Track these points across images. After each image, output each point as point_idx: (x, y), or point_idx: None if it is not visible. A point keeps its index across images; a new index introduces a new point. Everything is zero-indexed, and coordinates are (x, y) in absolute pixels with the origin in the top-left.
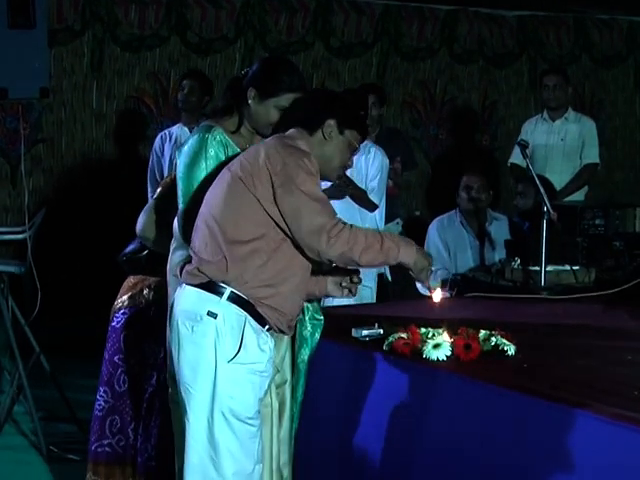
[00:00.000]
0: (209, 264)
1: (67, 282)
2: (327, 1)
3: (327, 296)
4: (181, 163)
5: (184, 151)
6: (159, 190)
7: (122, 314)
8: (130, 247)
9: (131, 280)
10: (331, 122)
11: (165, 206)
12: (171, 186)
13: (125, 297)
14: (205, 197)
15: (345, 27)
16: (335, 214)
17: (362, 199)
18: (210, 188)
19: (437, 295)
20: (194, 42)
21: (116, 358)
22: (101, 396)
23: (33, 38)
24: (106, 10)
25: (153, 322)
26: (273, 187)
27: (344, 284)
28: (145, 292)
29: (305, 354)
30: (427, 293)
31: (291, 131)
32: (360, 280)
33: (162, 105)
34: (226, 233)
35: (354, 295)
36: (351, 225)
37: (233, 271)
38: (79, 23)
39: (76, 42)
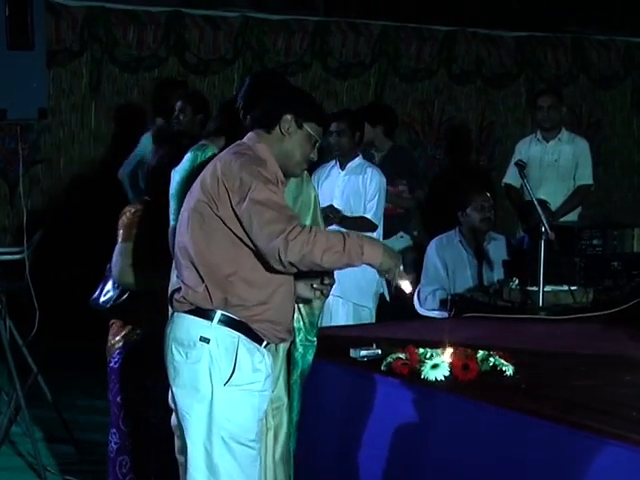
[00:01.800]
0: (195, 294)
1: (65, 302)
2: (325, 22)
3: (298, 297)
4: (174, 180)
5: (178, 169)
6: (121, 232)
7: (118, 354)
8: (107, 294)
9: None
10: (288, 117)
11: (135, 245)
12: (139, 221)
13: (118, 337)
14: (177, 227)
15: (343, 48)
16: (294, 219)
17: (357, 226)
18: (179, 219)
19: (407, 287)
20: (192, 63)
21: (118, 399)
22: (111, 438)
23: (32, 59)
24: (104, 31)
25: (152, 357)
26: (232, 205)
27: (315, 285)
28: (138, 329)
29: (297, 375)
30: (427, 313)
31: (249, 135)
32: (333, 282)
33: None
34: (202, 261)
35: (326, 297)
36: (312, 227)
37: (217, 298)
38: (77, 44)
39: (75, 63)
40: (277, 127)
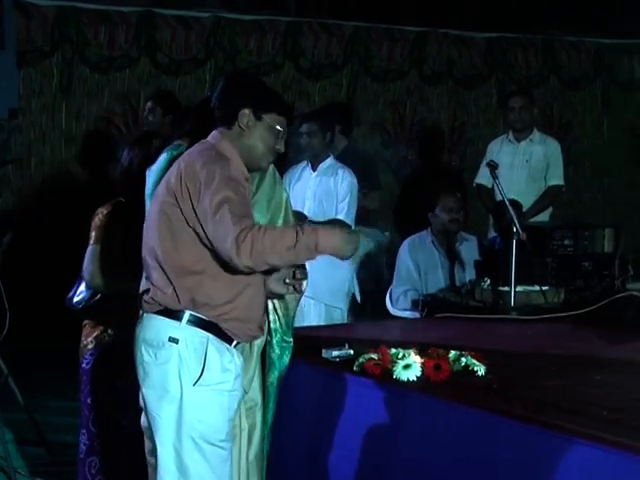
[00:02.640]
0: (163, 295)
1: (36, 303)
2: (297, 22)
3: (271, 293)
4: (149, 181)
5: (152, 169)
6: (93, 234)
7: (90, 355)
8: (80, 294)
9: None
10: (245, 111)
11: (107, 247)
12: (111, 223)
13: (90, 338)
14: (144, 228)
15: (315, 48)
16: (247, 220)
17: None
18: (146, 220)
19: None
20: (164, 63)
21: (89, 400)
22: (81, 439)
23: (2, 59)
24: (75, 31)
25: (123, 359)
26: (193, 206)
27: (288, 281)
28: (109, 330)
29: (274, 377)
30: (399, 314)
31: (212, 134)
32: (305, 276)
33: (132, 126)
34: (169, 262)
35: (299, 292)
36: (262, 226)
37: (185, 299)
38: (48, 44)
39: (45, 63)
40: (236, 123)
